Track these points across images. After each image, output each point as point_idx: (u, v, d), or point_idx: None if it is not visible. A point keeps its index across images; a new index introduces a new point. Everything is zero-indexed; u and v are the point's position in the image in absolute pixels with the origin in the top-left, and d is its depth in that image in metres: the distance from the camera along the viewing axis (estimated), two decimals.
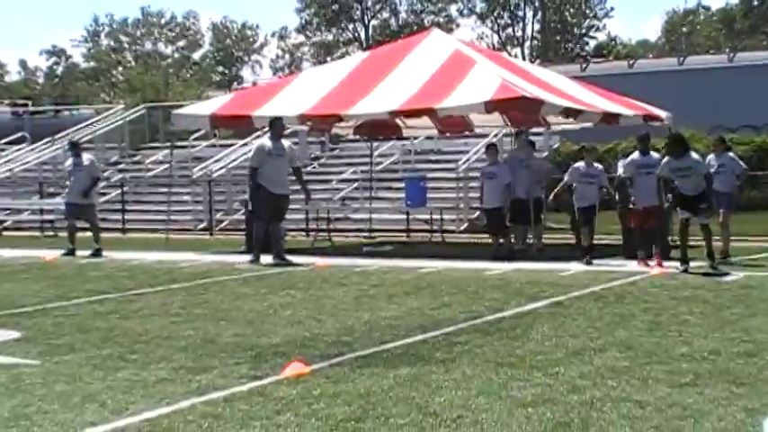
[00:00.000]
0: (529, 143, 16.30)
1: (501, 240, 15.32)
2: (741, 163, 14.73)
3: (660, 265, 12.79)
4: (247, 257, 14.88)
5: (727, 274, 12.06)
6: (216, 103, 18.25)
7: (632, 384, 6.24)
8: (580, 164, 14.40)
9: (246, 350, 7.67)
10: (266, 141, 14.85)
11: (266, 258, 14.45)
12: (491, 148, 16.51)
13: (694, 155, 12.80)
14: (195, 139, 27.11)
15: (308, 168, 25.43)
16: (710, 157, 14.40)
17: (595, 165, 14.48)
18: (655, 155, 13.82)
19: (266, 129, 16.09)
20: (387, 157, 24.81)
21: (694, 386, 6.15)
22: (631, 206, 13.70)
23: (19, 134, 29.83)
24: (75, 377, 6.81)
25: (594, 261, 13.56)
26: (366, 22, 70.68)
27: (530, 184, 15.21)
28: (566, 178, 14.41)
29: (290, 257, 14.50)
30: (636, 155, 13.89)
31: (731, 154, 14.75)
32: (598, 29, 67.55)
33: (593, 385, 6.23)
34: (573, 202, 14.37)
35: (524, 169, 15.37)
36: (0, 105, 38.81)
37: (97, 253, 16.25)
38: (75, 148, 17.48)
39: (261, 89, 20.76)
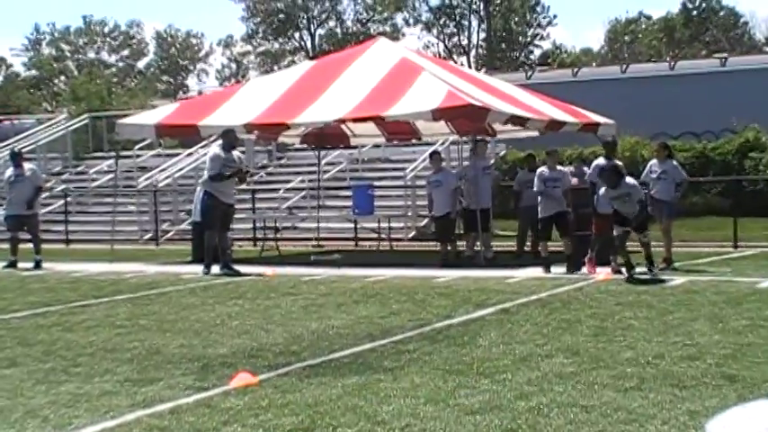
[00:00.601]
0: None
1: (449, 247, 15.38)
2: (683, 171, 14.81)
3: (616, 271, 12.89)
4: (193, 268, 14.75)
5: (662, 281, 12.16)
6: (161, 112, 18.07)
7: (578, 389, 6.30)
8: (543, 168, 14.04)
9: (193, 361, 7.59)
10: (219, 151, 14.73)
11: (215, 269, 14.35)
12: (435, 155, 16.56)
13: (630, 180, 12.83)
14: (140, 148, 26.84)
15: (255, 177, 25.31)
16: (653, 162, 14.51)
17: (559, 168, 14.22)
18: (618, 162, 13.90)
19: (214, 138, 15.95)
20: (334, 165, 24.80)
21: (639, 390, 6.22)
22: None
23: None
24: (17, 392, 6.68)
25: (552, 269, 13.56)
26: (312, 30, 70.60)
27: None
28: (535, 185, 13.98)
29: (237, 267, 14.41)
30: (601, 160, 13.93)
31: (674, 161, 14.77)
32: (542, 37, 68.31)
33: (540, 391, 6.27)
34: (522, 209, 14.38)
35: (488, 176, 15.64)
36: None
37: (38, 264, 15.98)
38: (17, 158, 17.16)
39: (207, 98, 20.62)
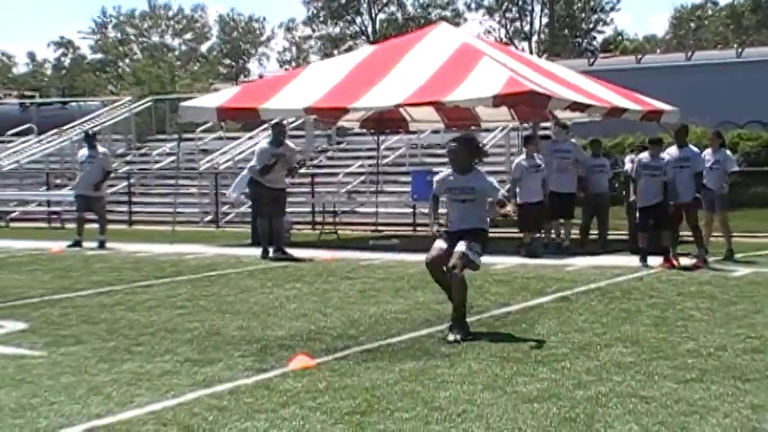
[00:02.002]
0: (543, 137, 16.17)
1: (537, 235, 14.96)
2: (734, 162, 14.39)
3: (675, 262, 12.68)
4: (252, 251, 14.91)
5: (725, 271, 11.94)
6: (223, 95, 18.23)
7: (638, 380, 6.24)
8: (645, 155, 13.22)
9: (252, 343, 7.68)
10: (267, 145, 14.89)
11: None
12: (530, 140, 15.57)
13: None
14: (202, 131, 27.12)
15: (315, 161, 25.42)
16: (707, 151, 14.16)
17: (661, 155, 13.19)
18: (694, 148, 13.54)
19: (263, 128, 16.03)
20: (393, 150, 24.79)
21: (700, 382, 6.14)
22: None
23: (26, 126, 29.85)
24: (81, 369, 6.82)
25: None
26: (373, 15, 70.55)
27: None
28: (632, 173, 13.50)
29: (290, 251, 14.48)
30: (673, 149, 13.46)
31: (727, 151, 14.33)
32: (605, 23, 67.39)
33: (599, 380, 6.22)
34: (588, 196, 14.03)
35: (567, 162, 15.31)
36: (8, 97, 38.87)
37: (102, 244, 16.27)
38: (91, 139, 17.47)
39: (268, 82, 20.73)
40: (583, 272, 12.18)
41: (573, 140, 15.86)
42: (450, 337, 7.68)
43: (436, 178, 8.66)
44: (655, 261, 12.68)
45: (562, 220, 15.42)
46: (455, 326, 7.86)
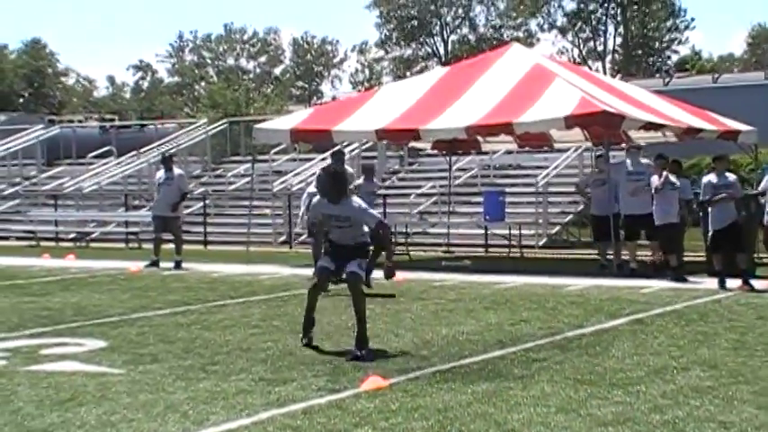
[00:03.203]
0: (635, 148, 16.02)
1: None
2: None
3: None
4: None
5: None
6: (296, 117, 18.45)
7: (716, 404, 6.12)
8: (711, 176, 13.07)
9: (325, 363, 7.73)
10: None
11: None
12: (600, 158, 16.10)
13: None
14: (276, 152, 27.44)
15: (387, 182, 25.53)
16: None
17: (727, 175, 13.09)
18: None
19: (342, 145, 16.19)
20: (465, 171, 24.75)
21: None
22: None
23: (106, 148, 30.58)
24: (159, 387, 6.95)
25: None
26: (445, 37, 70.70)
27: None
28: (702, 195, 13.21)
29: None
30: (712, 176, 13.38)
31: None
32: (680, 42, 66.41)
33: (676, 404, 6.12)
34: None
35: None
36: (89, 120, 39.87)
37: (178, 265, 16.56)
38: (168, 161, 17.83)
39: (341, 104, 20.94)
40: (658, 294, 12.00)
41: (646, 161, 15.64)
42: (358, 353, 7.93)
43: (312, 203, 9.05)
44: (733, 284, 12.42)
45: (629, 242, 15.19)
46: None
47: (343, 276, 8.41)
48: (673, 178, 13.72)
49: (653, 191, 13.71)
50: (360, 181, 16.73)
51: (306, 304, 8.67)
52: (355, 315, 8.28)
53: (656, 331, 9.08)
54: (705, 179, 13.23)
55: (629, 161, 15.26)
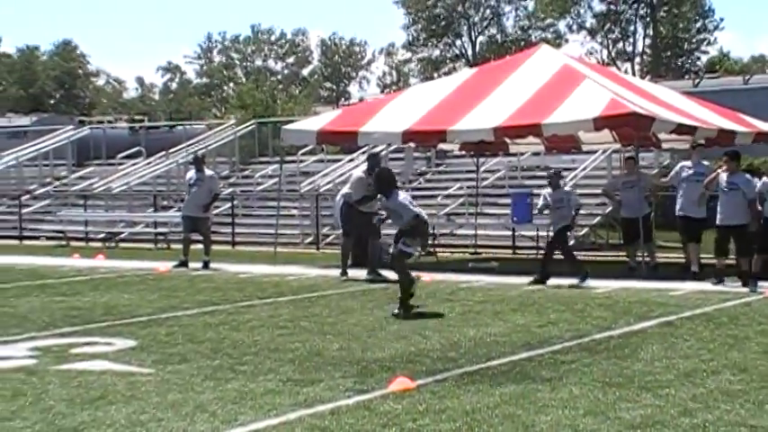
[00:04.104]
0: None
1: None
2: None
3: None
4: (352, 272, 15.03)
5: None
6: (323, 119, 18.48)
7: (747, 408, 6.07)
8: (723, 175, 13.20)
9: (352, 364, 7.75)
10: (363, 174, 15.16)
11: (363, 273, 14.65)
12: (630, 160, 16.07)
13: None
14: (303, 153, 27.52)
15: (414, 184, 25.52)
16: None
17: (746, 175, 13.34)
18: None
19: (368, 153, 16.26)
20: (493, 172, 24.69)
21: None
22: None
23: (135, 149, 30.80)
24: (188, 386, 6.99)
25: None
26: (473, 38, 70.60)
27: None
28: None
29: (385, 273, 14.50)
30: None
31: None
32: (709, 42, 65.87)
33: (706, 408, 6.08)
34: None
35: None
36: (118, 121, 40.17)
37: (206, 265, 16.64)
38: (199, 162, 17.93)
39: (367, 105, 20.95)
40: (688, 297, 11.91)
41: (705, 163, 15.32)
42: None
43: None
44: (764, 286, 12.32)
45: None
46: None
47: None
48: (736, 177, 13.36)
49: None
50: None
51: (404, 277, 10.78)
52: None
53: (685, 334, 9.02)
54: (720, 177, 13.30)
55: (689, 162, 14.92)
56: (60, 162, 31.01)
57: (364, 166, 15.74)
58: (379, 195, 11.57)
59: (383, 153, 24.57)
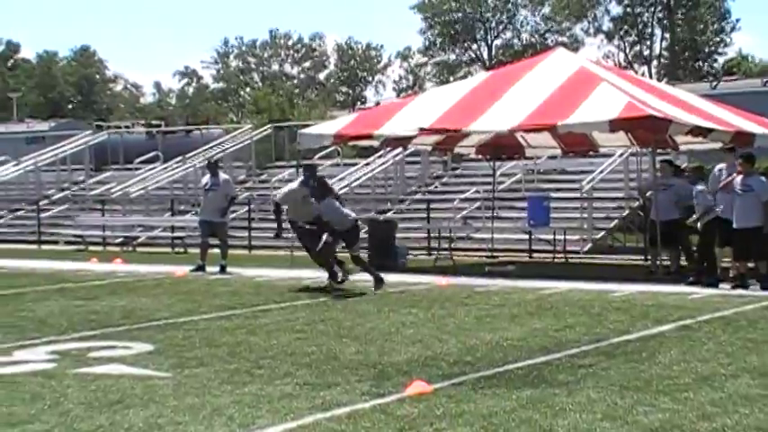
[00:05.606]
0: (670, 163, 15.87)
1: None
2: None
3: None
4: (367, 275, 14.97)
5: None
6: (341, 122, 18.55)
7: (766, 413, 6.04)
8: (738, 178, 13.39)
9: (369, 367, 7.74)
10: (296, 186, 15.03)
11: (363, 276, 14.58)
12: (663, 163, 15.96)
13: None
14: (320, 158, 27.56)
15: (430, 187, 25.51)
16: None
17: (761, 177, 13.35)
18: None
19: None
20: (509, 176, 24.64)
21: None
22: None
23: (153, 153, 30.91)
24: (205, 390, 7.01)
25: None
26: (489, 42, 70.53)
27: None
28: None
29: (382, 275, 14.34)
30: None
31: None
32: (726, 44, 65.54)
33: (725, 413, 6.05)
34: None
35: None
36: (136, 126, 40.33)
37: (223, 269, 16.67)
38: (213, 167, 17.97)
39: (384, 108, 20.97)
40: (706, 300, 11.86)
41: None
42: None
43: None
44: None
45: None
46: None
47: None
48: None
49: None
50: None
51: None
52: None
53: (703, 338, 8.98)
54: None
55: (723, 165, 14.57)
56: (78, 167, 31.18)
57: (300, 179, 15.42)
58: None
59: (399, 158, 24.60)
